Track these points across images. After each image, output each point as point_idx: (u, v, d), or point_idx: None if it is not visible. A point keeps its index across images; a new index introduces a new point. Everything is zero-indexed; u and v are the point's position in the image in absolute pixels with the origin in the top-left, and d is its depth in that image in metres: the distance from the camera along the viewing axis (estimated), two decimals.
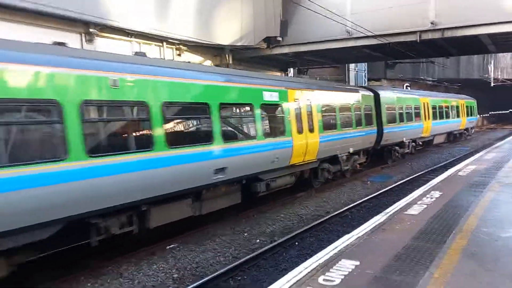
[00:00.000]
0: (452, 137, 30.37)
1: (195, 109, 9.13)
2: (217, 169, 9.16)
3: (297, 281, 5.04)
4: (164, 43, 15.64)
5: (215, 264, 8.09)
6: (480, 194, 9.60)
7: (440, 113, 25.67)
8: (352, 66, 31.41)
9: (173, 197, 8.40)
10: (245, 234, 9.80)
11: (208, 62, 17.90)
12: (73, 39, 12.60)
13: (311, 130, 12.87)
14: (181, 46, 16.12)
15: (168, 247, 8.83)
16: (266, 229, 10.22)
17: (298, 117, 12.38)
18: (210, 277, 7.30)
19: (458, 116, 29.78)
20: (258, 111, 10.65)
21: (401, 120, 20.09)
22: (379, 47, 18.06)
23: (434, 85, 41.64)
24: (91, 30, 12.64)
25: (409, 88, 30.62)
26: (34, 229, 6.16)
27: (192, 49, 16.83)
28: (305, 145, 12.43)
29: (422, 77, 39.26)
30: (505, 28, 14.94)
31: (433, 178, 12.74)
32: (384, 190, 14.20)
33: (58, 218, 6.41)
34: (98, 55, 7.92)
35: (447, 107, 27.34)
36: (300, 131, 12.28)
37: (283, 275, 6.86)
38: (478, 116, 39.14)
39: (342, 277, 5.07)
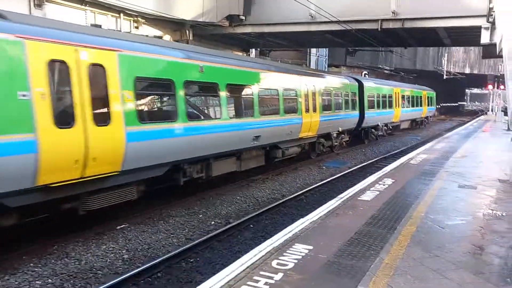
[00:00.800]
0: (415, 124, 34.59)
1: (246, 90, 12.02)
2: (254, 136, 11.99)
3: (251, 264, 4.98)
4: (122, 14, 14.92)
5: (167, 246, 7.90)
6: (429, 183, 9.97)
7: (407, 102, 29.96)
8: (313, 51, 31.58)
9: (226, 155, 11.20)
10: (200, 216, 9.65)
11: (167, 37, 17.30)
12: (20, 4, 11.74)
13: (314, 110, 15.55)
14: (139, 19, 15.46)
15: (118, 227, 8.53)
16: (221, 211, 10.12)
17: (306, 99, 15.00)
18: (162, 258, 7.12)
19: (421, 105, 33.78)
20: (281, 92, 13.51)
21: (378, 107, 23.71)
22: (342, 33, 18.20)
23: (391, 74, 42.75)
24: None
25: (367, 76, 31.36)
26: (156, 168, 8.73)
27: (151, 22, 16.22)
28: (310, 123, 15.16)
29: (380, 66, 40.16)
30: (460, 23, 15.47)
31: (386, 166, 13.12)
32: (338, 175, 14.47)
33: (168, 161, 8.98)
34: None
35: (413, 97, 31.26)
36: (307, 110, 14.95)
37: (237, 257, 6.86)
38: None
39: (296, 261, 5.07)
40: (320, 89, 16.18)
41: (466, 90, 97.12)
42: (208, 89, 10.55)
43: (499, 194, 9.10)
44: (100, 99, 7.51)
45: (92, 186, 7.57)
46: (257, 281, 4.55)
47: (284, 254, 5.29)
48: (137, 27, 15.72)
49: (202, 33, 18.59)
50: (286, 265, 4.95)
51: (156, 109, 9.58)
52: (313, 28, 17.80)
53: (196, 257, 7.47)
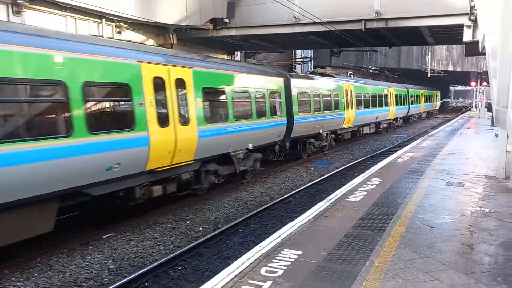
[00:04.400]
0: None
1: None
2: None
3: (240, 272, 4.87)
4: (103, 20, 14.69)
5: (154, 254, 7.75)
6: (417, 181, 9.98)
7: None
8: (299, 52, 31.61)
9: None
10: (188, 222, 9.50)
11: (151, 42, 17.11)
12: None
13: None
14: (121, 24, 15.24)
15: (104, 237, 8.34)
16: (209, 216, 9.98)
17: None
18: (149, 267, 6.96)
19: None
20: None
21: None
22: (326, 34, 18.20)
23: (376, 73, 43.06)
24: (18, 0, 11.50)
25: (352, 76, 31.44)
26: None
27: (134, 27, 16.01)
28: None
29: (365, 66, 40.42)
30: (443, 21, 15.59)
31: (373, 165, 13.12)
32: (326, 175, 14.44)
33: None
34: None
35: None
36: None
37: (226, 263, 6.75)
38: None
39: (285, 267, 4.97)
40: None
41: (450, 87, 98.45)
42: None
43: (486, 190, 9.14)
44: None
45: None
46: None
47: (273, 260, 5.19)
48: (119, 32, 15.51)
49: (186, 37, 18.42)
50: (275, 272, 4.85)
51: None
52: (297, 29, 17.78)
53: (184, 265, 7.32)
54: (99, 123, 7.71)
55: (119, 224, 9.02)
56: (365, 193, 8.87)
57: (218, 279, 4.66)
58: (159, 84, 8.98)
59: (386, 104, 28.87)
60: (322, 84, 18.89)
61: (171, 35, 17.70)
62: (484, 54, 14.38)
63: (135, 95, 8.31)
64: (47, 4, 12.62)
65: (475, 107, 53.46)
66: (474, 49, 18.11)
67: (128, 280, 6.48)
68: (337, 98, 20.03)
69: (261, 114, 13.12)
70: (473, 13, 14.57)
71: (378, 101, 26.79)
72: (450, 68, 55.03)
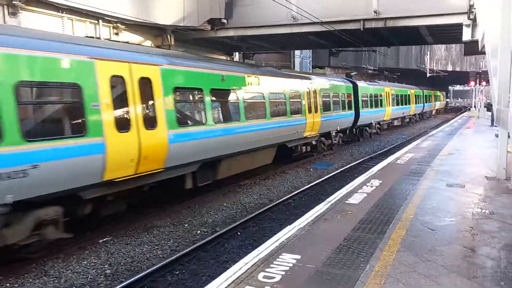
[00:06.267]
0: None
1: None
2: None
3: (237, 278, 4.75)
4: (100, 21, 14.59)
5: (152, 258, 7.64)
6: (417, 182, 9.87)
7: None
8: (297, 53, 31.52)
9: None
10: (186, 225, 9.39)
11: (148, 43, 17.00)
12: None
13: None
14: (118, 25, 15.13)
15: (101, 241, 8.23)
16: (208, 219, 9.87)
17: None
18: (146, 272, 6.86)
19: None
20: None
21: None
22: (324, 34, 18.11)
23: (374, 73, 42.97)
24: (14, 1, 11.38)
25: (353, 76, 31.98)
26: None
27: (131, 28, 15.89)
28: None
29: (364, 66, 40.33)
30: (442, 20, 15.50)
31: (373, 166, 13.01)
32: (326, 177, 14.33)
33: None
34: None
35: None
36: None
37: (224, 267, 6.64)
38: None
39: (283, 273, 4.85)
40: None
41: (449, 87, 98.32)
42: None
43: (487, 191, 9.03)
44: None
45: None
46: None
47: (271, 265, 5.08)
48: (117, 34, 15.40)
49: (184, 37, 18.33)
50: (273, 277, 4.74)
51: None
52: (296, 29, 17.68)
53: (181, 269, 7.21)
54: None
55: (116, 228, 8.91)
56: (365, 195, 8.76)
57: (214, 286, 4.54)
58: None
59: (408, 103, 36.32)
60: (375, 89, 27.00)
61: (169, 36, 17.61)
62: (484, 53, 14.31)
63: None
64: (43, 5, 12.51)
65: (474, 107, 53.36)
66: (473, 48, 18.03)
67: (124, 285, 6.37)
68: (381, 98, 27.89)
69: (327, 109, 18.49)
70: (472, 12, 14.49)
71: (404, 100, 34.35)
72: (449, 68, 54.99)
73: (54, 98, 7.32)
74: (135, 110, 8.28)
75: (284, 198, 11.56)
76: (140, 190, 9.05)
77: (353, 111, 21.97)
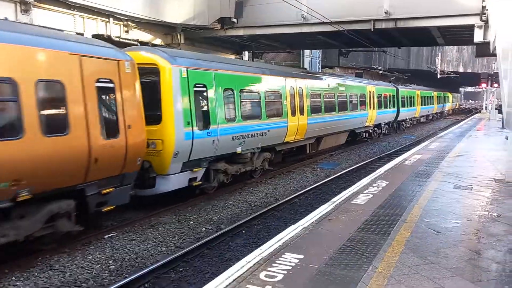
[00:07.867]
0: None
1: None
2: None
3: (238, 276, 4.76)
4: (111, 19, 14.66)
5: (156, 255, 7.67)
6: (424, 184, 9.80)
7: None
8: (307, 52, 31.42)
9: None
10: (191, 222, 9.42)
11: (158, 41, 17.07)
12: (6, 9, 11.47)
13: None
14: (129, 23, 15.19)
15: (106, 236, 8.29)
16: (213, 217, 9.89)
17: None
18: (149, 268, 6.89)
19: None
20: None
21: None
22: (334, 34, 18.02)
23: (384, 74, 42.70)
24: None
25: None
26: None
27: (141, 26, 15.94)
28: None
29: (374, 66, 40.08)
30: (453, 22, 15.32)
31: (380, 167, 12.95)
32: (332, 177, 14.28)
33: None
34: None
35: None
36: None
37: (228, 265, 6.66)
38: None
39: (285, 272, 4.85)
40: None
41: (460, 89, 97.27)
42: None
43: (495, 194, 8.93)
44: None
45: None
46: None
47: (273, 264, 5.08)
48: (127, 32, 15.48)
49: (193, 36, 18.35)
50: (275, 277, 4.74)
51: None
52: (305, 29, 17.62)
53: (185, 266, 7.24)
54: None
55: (122, 224, 8.97)
56: (371, 195, 8.71)
57: (215, 284, 4.55)
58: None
59: (432, 103, 42.84)
60: (409, 91, 32.50)
61: (178, 35, 17.64)
62: (495, 55, 14.10)
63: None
64: (55, 2, 12.60)
65: (485, 108, 52.74)
66: (485, 50, 17.78)
67: (128, 281, 6.41)
68: (414, 99, 33.62)
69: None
70: (485, 13, 14.30)
71: (429, 101, 40.73)
72: (461, 69, 54.34)
73: None
74: (296, 105, 14.88)
75: (290, 197, 11.55)
76: (291, 150, 15.95)
77: (395, 109, 28.29)
